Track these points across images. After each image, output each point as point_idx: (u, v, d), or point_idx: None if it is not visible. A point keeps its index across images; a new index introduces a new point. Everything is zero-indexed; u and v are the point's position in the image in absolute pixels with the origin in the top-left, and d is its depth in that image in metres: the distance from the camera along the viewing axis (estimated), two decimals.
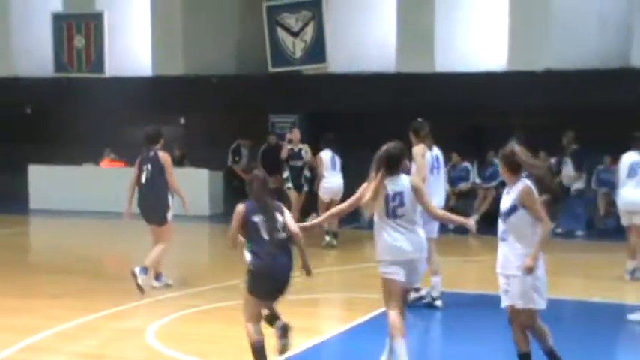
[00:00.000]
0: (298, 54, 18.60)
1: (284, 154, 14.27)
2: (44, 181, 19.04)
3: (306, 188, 14.20)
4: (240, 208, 6.43)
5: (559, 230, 15.34)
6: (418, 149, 8.73)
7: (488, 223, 15.27)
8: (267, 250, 6.33)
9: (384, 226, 6.43)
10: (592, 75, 16.06)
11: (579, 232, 15.23)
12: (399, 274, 6.43)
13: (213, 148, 17.90)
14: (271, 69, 18.73)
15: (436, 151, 9.00)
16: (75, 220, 17.45)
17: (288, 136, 14.90)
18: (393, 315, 6.40)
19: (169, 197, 9.99)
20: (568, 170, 15.56)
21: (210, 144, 17.97)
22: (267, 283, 6.42)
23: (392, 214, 6.40)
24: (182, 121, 19.53)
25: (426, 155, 8.81)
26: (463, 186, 16.32)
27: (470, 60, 17.07)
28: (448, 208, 16.12)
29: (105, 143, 19.32)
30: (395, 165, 6.46)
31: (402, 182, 6.46)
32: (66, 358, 7.36)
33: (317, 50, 18.31)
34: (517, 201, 6.19)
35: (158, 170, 9.96)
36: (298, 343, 7.57)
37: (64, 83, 20.03)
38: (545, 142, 15.29)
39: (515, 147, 6.43)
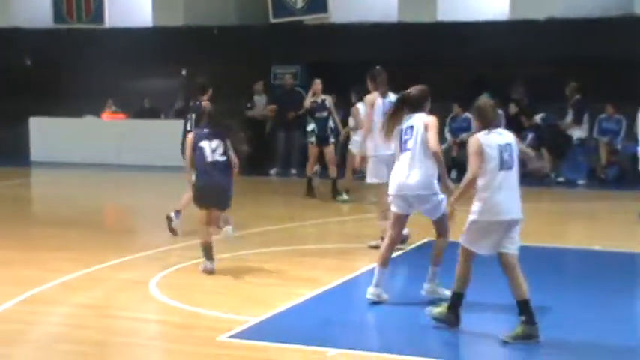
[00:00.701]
0: (300, 4, 18.38)
1: (307, 104, 13.79)
2: (45, 133, 18.99)
3: (333, 140, 13.74)
4: (190, 136, 8.44)
5: (561, 179, 15.31)
6: (369, 97, 9.18)
7: None
8: (206, 170, 8.21)
9: (396, 160, 7.16)
10: (594, 24, 15.87)
11: (581, 182, 15.19)
12: (401, 207, 7.10)
13: (215, 99, 17.78)
14: (272, 19, 18.53)
15: (391, 98, 9.09)
16: (77, 173, 17.43)
17: (313, 88, 13.85)
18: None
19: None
20: (569, 119, 15.48)
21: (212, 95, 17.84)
22: (205, 196, 8.31)
23: (403, 147, 7.07)
24: (183, 72, 19.38)
25: (378, 102, 9.09)
26: (465, 136, 16.23)
27: (472, 9, 16.87)
28: (450, 158, 16.14)
29: (106, 95, 19.22)
30: (412, 104, 7.15)
31: (416, 119, 7.13)
32: (70, 310, 7.36)
33: (318, 0, 18.10)
34: None
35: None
36: (302, 293, 7.58)
37: (64, 34, 19.84)
38: (548, 92, 15.20)
39: (483, 100, 6.51)
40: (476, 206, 6.21)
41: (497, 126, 6.26)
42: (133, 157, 17.96)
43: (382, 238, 8.12)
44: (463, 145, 16.18)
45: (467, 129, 16.28)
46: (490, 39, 16.35)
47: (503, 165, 6.13)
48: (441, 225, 7.16)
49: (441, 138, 16.30)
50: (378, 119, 8.60)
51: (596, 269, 8.82)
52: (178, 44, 18.87)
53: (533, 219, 8.87)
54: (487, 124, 6.23)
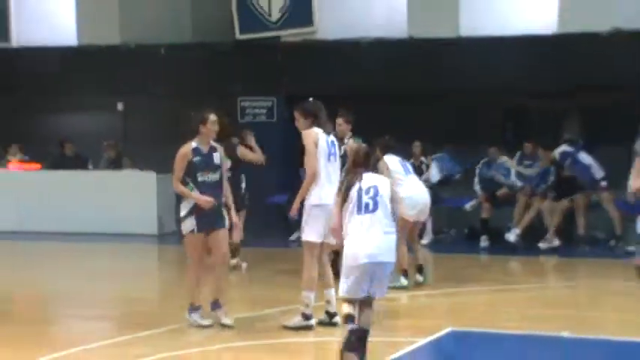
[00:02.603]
0: (275, 15, 18.65)
1: None
2: None
3: None
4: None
5: (631, 248, 15.39)
6: (309, 133, 9.79)
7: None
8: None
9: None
10: None
11: None
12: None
13: (161, 143, 17.92)
14: (239, 35, 18.77)
15: (331, 137, 9.94)
16: None
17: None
18: None
19: (184, 203, 9.77)
20: None
21: (158, 138, 17.98)
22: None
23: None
24: (119, 107, 19.57)
25: (320, 141, 9.77)
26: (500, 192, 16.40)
27: (505, 20, 17.10)
28: (480, 219, 16.28)
29: (13, 137, 19.33)
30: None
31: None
32: None
33: (301, 9, 18.34)
34: None
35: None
36: None
37: None
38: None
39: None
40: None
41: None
42: (49, 221, 17.97)
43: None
44: (497, 202, 16.35)
45: (507, 176, 16.41)
46: (532, 59, 16.59)
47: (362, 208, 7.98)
48: None
49: (472, 191, 16.55)
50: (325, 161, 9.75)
51: None
52: (113, 69, 19.05)
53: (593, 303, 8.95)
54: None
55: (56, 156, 19.30)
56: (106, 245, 16.93)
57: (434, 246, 16.17)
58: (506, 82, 16.68)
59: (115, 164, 18.94)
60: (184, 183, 9.58)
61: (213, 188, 9.63)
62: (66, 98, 19.38)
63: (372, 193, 7.97)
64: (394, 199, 8.16)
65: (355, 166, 8.19)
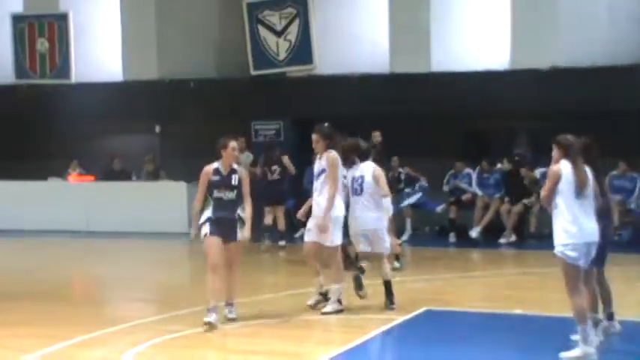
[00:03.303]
0: (282, 55, 18.67)
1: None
2: (5, 198, 19.03)
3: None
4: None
5: None
6: (336, 160, 9.60)
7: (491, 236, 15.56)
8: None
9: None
10: (603, 72, 16.16)
11: None
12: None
13: (191, 158, 17.92)
14: (253, 71, 18.80)
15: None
16: (42, 240, 17.44)
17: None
18: None
19: (204, 213, 9.34)
20: None
21: (188, 154, 17.98)
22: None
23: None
24: (157, 129, 19.57)
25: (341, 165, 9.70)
26: (465, 195, 16.39)
27: (469, 58, 17.16)
28: (449, 219, 16.29)
29: (72, 155, 19.35)
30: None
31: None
32: None
33: (303, 50, 18.38)
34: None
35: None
36: None
37: (26, 90, 20.04)
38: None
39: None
40: None
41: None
42: (101, 222, 18.02)
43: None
44: (462, 206, 16.36)
45: (469, 185, 16.41)
46: (489, 90, 16.62)
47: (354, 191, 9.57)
48: None
49: (441, 196, 16.56)
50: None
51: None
52: (151, 99, 19.08)
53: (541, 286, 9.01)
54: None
55: (107, 170, 19.31)
56: (146, 242, 16.94)
57: (412, 240, 16.17)
58: (469, 109, 16.72)
59: (153, 176, 18.94)
60: (205, 198, 9.26)
61: (228, 205, 9.19)
62: (114, 123, 19.40)
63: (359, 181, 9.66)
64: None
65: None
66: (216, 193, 9.18)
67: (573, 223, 7.33)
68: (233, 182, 9.21)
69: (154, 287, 12.71)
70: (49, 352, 8.40)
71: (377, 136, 14.70)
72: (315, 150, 9.72)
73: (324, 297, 9.80)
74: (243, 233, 9.26)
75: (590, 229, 7.41)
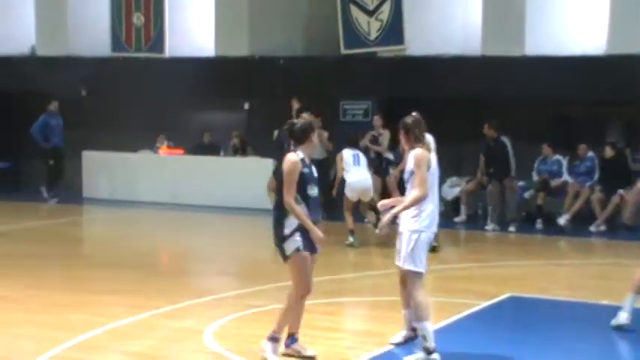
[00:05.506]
0: (373, 34, 18.56)
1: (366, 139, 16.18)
2: (98, 168, 19.53)
3: (391, 171, 15.27)
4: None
5: None
6: (424, 156, 7.46)
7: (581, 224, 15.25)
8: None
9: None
10: None
11: None
12: None
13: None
14: (344, 50, 18.74)
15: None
16: (131, 211, 17.84)
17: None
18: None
19: (289, 220, 7.22)
20: None
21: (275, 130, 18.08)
22: None
23: None
24: (246, 106, 19.72)
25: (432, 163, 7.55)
26: (554, 182, 16.10)
27: (564, 42, 16.79)
28: (536, 205, 16.01)
29: (162, 128, 19.66)
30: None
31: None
32: (120, 358, 7.55)
33: (394, 31, 18.21)
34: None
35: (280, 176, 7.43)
36: (370, 349, 7.63)
37: (121, 63, 20.42)
38: None
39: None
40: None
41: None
42: (190, 196, 18.32)
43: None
44: (551, 192, 16.05)
45: (557, 173, 16.12)
46: (583, 75, 16.25)
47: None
48: None
49: (529, 181, 16.29)
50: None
51: None
52: (241, 75, 19.21)
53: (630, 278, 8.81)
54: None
55: (196, 143, 19.58)
56: (232, 217, 17.12)
57: (500, 227, 15.85)
58: (560, 94, 16.39)
59: (241, 152, 19.13)
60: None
61: (318, 204, 7.33)
62: (204, 97, 19.61)
63: None
64: None
65: None
66: (309, 190, 7.20)
67: None
68: (315, 174, 7.36)
69: (237, 262, 12.87)
70: (136, 320, 8.61)
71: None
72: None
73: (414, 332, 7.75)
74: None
75: None
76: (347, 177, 13.51)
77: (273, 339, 7.28)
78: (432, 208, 7.42)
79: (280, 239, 7.20)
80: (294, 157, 7.17)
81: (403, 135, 7.55)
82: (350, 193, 13.54)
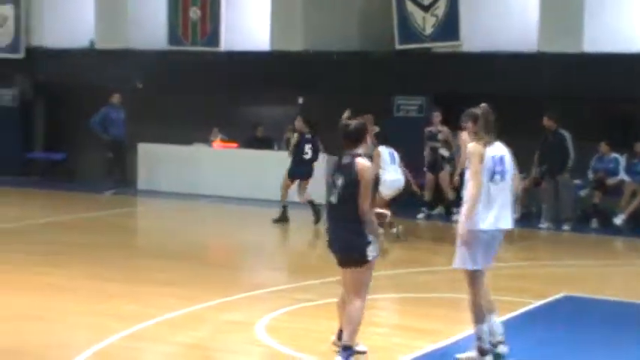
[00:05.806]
0: (428, 30, 18.45)
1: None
2: (153, 161, 19.74)
3: (448, 167, 16.03)
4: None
5: None
6: (477, 147, 7.24)
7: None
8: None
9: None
10: None
11: None
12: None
13: (332, 130, 17.99)
14: (398, 46, 18.66)
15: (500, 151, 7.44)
16: (184, 203, 18.00)
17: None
18: None
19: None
20: None
21: (329, 126, 18.04)
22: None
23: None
24: (300, 100, 19.75)
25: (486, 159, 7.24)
26: (610, 180, 15.85)
27: (623, 39, 16.51)
28: (591, 204, 15.78)
29: (217, 121, 19.79)
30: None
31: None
32: (172, 349, 7.64)
33: (450, 26, 18.07)
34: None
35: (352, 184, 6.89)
36: (420, 346, 7.60)
37: (177, 57, 20.60)
38: None
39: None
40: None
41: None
42: (244, 189, 18.41)
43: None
44: (606, 190, 15.80)
45: (614, 171, 15.86)
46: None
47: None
48: None
49: (585, 180, 16.06)
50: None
51: None
52: (295, 70, 19.23)
53: None
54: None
55: (250, 137, 19.66)
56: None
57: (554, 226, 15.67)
58: (618, 92, 16.12)
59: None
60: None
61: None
62: (258, 91, 19.70)
63: None
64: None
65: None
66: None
67: None
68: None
69: (287, 256, 12.93)
70: (188, 312, 8.68)
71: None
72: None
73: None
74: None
75: None
76: (385, 175, 13.06)
77: (350, 351, 6.90)
78: (482, 207, 6.99)
79: (364, 245, 6.80)
80: (369, 164, 6.87)
81: (471, 125, 7.29)
82: (386, 192, 13.09)
